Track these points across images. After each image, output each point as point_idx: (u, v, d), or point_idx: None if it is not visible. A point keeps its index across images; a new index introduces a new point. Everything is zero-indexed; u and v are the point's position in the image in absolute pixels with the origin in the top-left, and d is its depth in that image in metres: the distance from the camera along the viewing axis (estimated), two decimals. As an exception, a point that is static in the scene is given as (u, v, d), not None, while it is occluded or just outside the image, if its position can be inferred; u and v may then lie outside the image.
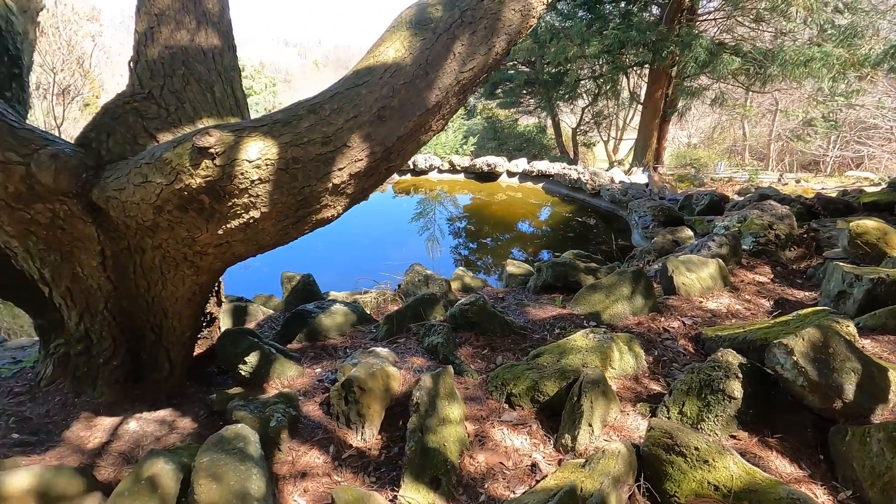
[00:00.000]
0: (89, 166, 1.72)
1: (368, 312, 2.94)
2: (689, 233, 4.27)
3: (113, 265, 1.93)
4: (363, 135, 1.62)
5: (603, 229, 7.32)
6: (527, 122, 18.52)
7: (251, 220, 1.59)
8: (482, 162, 9.78)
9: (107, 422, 2.22)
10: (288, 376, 2.31)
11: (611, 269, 3.25)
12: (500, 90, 15.40)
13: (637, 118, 17.11)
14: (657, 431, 1.58)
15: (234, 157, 1.45)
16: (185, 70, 1.95)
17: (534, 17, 1.83)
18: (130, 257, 1.91)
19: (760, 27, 11.36)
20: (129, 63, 1.98)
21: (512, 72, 15.30)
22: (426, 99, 1.71)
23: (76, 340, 2.25)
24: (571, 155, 16.56)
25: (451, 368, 2.01)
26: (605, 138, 16.92)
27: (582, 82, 14.44)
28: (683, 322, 2.58)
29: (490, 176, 9.75)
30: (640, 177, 9.03)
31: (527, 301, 3.00)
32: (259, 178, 1.50)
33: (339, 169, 1.63)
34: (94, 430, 2.18)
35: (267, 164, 1.50)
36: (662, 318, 2.63)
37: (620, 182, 8.06)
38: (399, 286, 3.29)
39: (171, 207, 1.54)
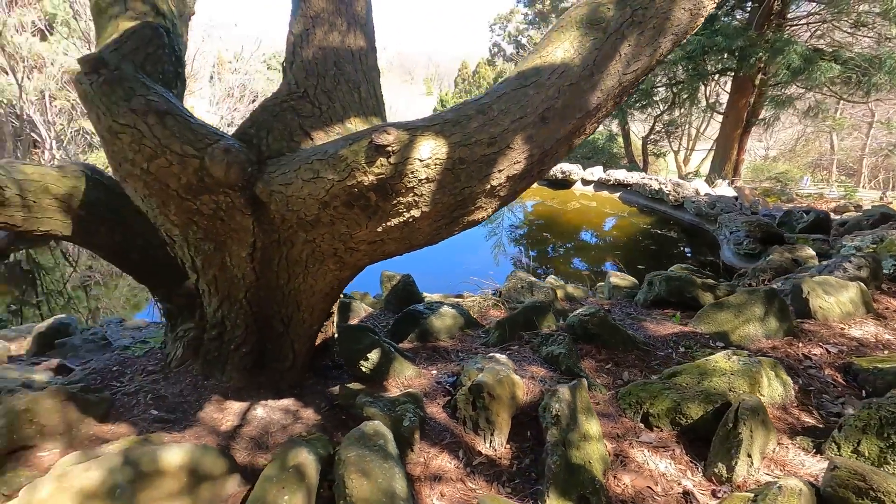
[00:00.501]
0: (253, 161, 1.79)
1: (474, 317, 2.91)
2: (811, 251, 3.95)
3: (260, 257, 2.00)
4: (525, 136, 1.59)
5: (687, 243, 6.96)
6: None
7: (410, 219, 1.59)
8: (556, 169, 9.59)
9: (236, 406, 2.32)
10: (406, 375, 2.31)
11: (731, 287, 3.05)
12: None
13: (711, 128, 16.26)
14: (844, 472, 1.43)
15: (407, 155, 1.46)
16: (336, 70, 2.00)
17: (702, 17, 1.73)
18: (278, 250, 1.97)
19: (859, 32, 10.46)
20: (283, 64, 2.06)
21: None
22: (588, 101, 1.65)
23: (211, 326, 2.37)
24: (641, 165, 15.97)
25: (584, 382, 1.93)
26: (676, 149, 16.18)
27: (657, 90, 13.92)
28: (827, 349, 2.36)
29: (564, 183, 9.54)
30: (725, 189, 8.52)
31: (638, 315, 2.86)
32: (426, 178, 1.50)
33: (499, 171, 1.60)
34: (225, 413, 2.28)
35: (436, 164, 1.49)
36: (800, 344, 2.42)
37: (706, 194, 7.63)
38: (500, 292, 3.24)
39: (337, 203, 1.57)
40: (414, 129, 1.48)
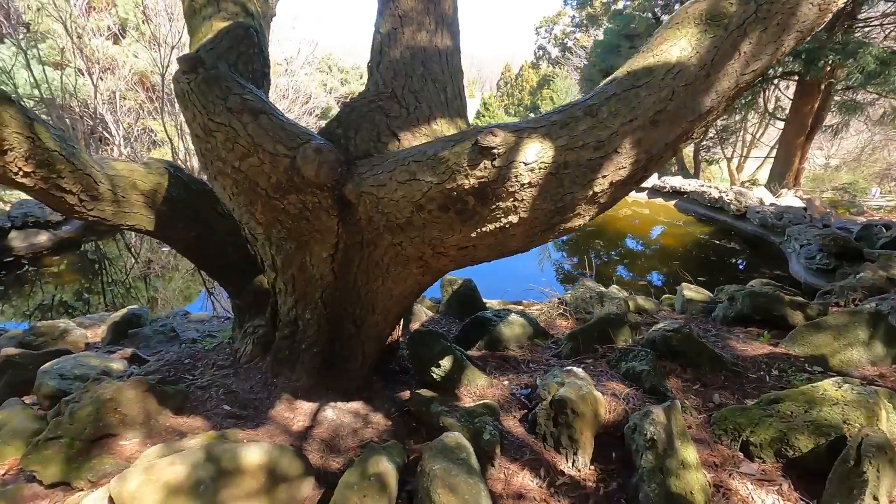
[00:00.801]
0: (342, 161, 1.77)
1: (542, 326, 2.81)
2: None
3: (341, 258, 1.98)
4: (634, 140, 1.49)
5: (750, 255, 6.58)
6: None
7: (507, 225, 1.52)
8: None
9: (306, 406, 2.31)
10: (478, 385, 2.24)
11: (823, 306, 2.81)
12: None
13: (768, 134, 15.42)
14: None
15: (513, 158, 1.39)
16: (424, 70, 1.96)
17: (830, 13, 1.58)
18: (360, 251, 1.95)
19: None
20: (368, 64, 2.04)
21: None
22: (701, 104, 1.53)
23: (284, 325, 2.37)
24: (692, 172, 15.36)
25: (678, 404, 1.80)
26: (729, 156, 15.46)
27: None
28: (945, 381, 2.12)
29: (612, 189, 9.23)
30: (791, 199, 8.03)
31: (719, 332, 2.68)
32: (529, 182, 1.43)
33: (603, 176, 1.51)
34: (296, 413, 2.28)
35: (540, 168, 1.42)
36: (913, 373, 2.19)
37: (772, 204, 7.21)
38: (565, 301, 3.13)
39: (432, 207, 1.52)
40: (521, 131, 1.41)
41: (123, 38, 9.35)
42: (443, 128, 1.96)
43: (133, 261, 7.34)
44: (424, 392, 2.21)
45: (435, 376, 2.24)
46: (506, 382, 2.31)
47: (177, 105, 8.90)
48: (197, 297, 6.50)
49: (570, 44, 27.51)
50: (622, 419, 1.95)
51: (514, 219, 1.51)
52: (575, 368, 2.19)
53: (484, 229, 1.54)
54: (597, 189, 1.52)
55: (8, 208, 6.86)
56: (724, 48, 1.49)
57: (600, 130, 1.45)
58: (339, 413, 2.27)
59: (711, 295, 3.28)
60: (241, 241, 2.83)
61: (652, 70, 1.50)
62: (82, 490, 1.93)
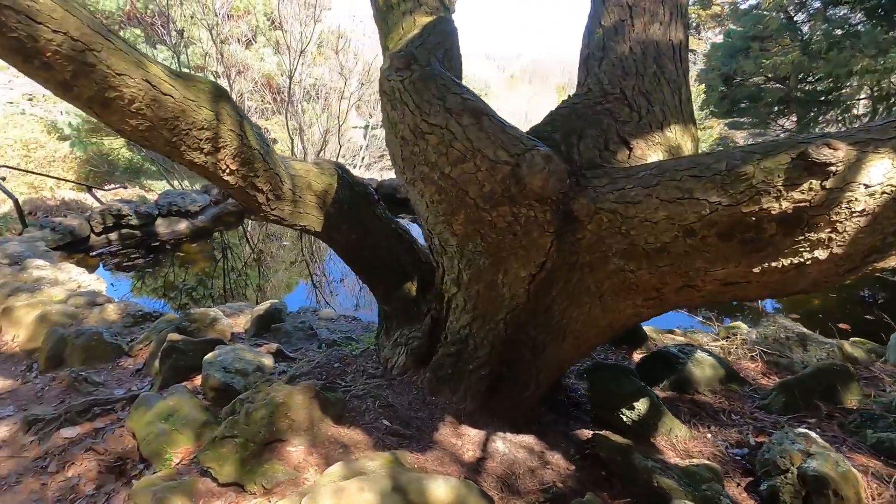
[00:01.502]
0: (570, 172, 1.54)
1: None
2: None
3: (543, 279, 1.76)
4: None
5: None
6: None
7: (807, 261, 1.20)
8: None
9: (472, 433, 2.13)
10: (677, 436, 1.92)
11: None
12: (744, 108, 13.40)
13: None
14: None
15: (851, 179, 1.07)
16: (657, 69, 1.68)
17: None
18: (567, 274, 1.71)
19: None
20: (585, 60, 1.81)
21: (759, 87, 13.18)
22: None
23: (451, 341, 2.21)
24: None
25: None
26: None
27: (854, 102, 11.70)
28: None
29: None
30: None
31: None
32: (862, 211, 1.10)
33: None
34: (462, 440, 2.10)
35: (884, 193, 1.08)
36: None
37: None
38: (744, 340, 2.69)
39: (709, 233, 1.24)
40: (864, 144, 1.08)
41: (254, 42, 10.10)
42: (677, 135, 1.66)
43: (249, 249, 7.77)
44: (613, 436, 1.92)
45: (625, 419, 1.95)
46: (709, 436, 1.96)
47: (297, 105, 9.42)
48: (295, 287, 6.66)
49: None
50: (892, 510, 1.53)
51: (821, 254, 1.18)
52: (810, 433, 1.79)
53: (774, 264, 1.23)
54: (942, 222, 1.15)
55: (154, 198, 7.60)
56: None
57: (973, 145, 1.09)
58: (510, 446, 2.05)
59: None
60: (395, 245, 2.74)
61: None
62: (254, 495, 1.88)
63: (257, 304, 4.15)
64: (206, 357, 2.75)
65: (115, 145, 11.14)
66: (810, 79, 12.57)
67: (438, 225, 1.83)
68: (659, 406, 1.93)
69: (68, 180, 8.40)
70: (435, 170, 1.66)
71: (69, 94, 1.34)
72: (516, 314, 1.94)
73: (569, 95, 1.80)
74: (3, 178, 5.65)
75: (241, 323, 3.81)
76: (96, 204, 7.27)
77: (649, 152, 1.60)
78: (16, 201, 5.46)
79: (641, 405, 1.92)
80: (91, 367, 3.23)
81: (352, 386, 2.57)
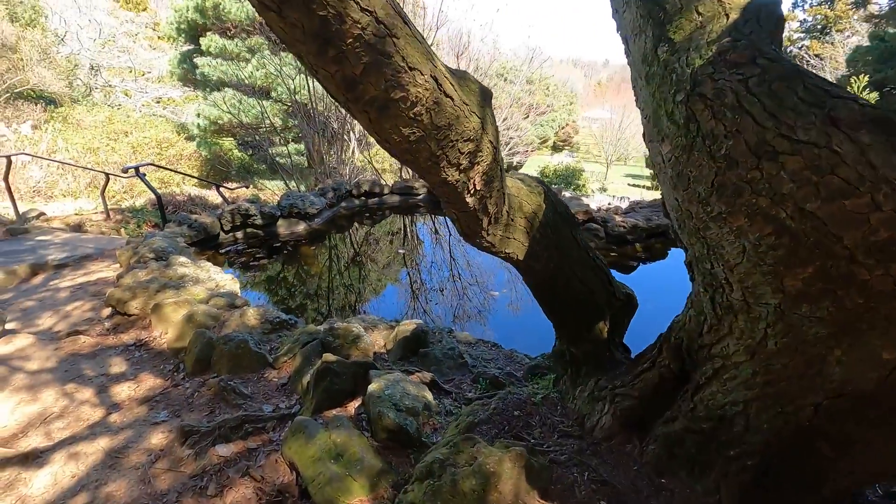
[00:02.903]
0: None
1: None
2: None
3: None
4: None
5: None
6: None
7: None
8: None
9: (735, 544, 1.63)
10: None
11: None
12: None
13: None
14: None
15: None
16: None
17: None
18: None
19: None
20: None
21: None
22: None
23: (703, 417, 1.72)
24: None
25: None
26: None
27: None
28: None
29: None
30: None
31: None
32: None
33: None
34: (725, 552, 1.61)
35: None
36: None
37: None
38: None
39: None
40: None
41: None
42: None
43: (351, 253, 7.65)
44: None
45: None
46: None
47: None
48: (371, 299, 6.32)
49: (793, 51, 23.41)
50: None
51: None
52: None
53: None
54: None
55: (265, 197, 7.79)
56: None
57: None
58: (801, 575, 1.52)
59: None
60: (591, 277, 2.30)
61: None
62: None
63: (379, 316, 3.91)
64: (371, 389, 2.48)
65: (229, 146, 11.76)
66: None
67: (756, 276, 1.35)
68: None
69: (206, 180, 8.87)
70: (784, 204, 1.19)
71: (350, 93, 1.04)
72: (838, 404, 1.41)
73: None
74: (145, 175, 5.98)
75: (377, 340, 3.56)
76: (219, 200, 7.56)
77: None
78: (159, 197, 5.72)
79: None
80: (238, 377, 3.11)
81: (544, 444, 2.16)
